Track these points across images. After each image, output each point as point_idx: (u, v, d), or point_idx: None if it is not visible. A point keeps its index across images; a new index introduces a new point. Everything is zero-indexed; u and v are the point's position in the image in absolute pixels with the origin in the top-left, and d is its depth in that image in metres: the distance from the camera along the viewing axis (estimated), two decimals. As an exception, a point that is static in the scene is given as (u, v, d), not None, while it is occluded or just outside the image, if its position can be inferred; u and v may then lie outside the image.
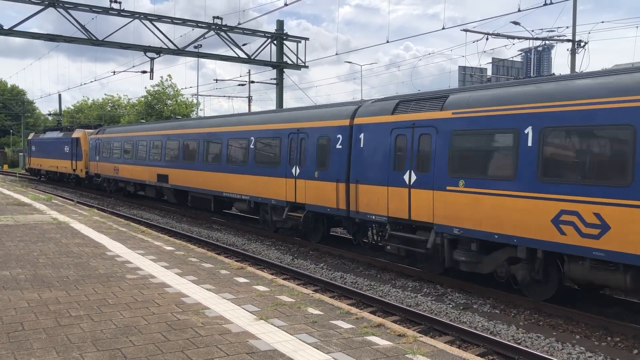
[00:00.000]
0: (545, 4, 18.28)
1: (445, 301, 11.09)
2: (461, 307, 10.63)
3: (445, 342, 7.90)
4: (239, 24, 30.90)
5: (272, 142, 17.66)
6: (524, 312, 10.22)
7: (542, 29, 30.05)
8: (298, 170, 16.11)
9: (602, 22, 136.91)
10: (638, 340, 8.61)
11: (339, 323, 7.31)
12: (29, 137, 50.42)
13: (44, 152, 44.13)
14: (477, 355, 7.91)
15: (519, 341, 8.75)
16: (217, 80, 67.47)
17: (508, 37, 26.81)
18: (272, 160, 17.48)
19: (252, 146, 18.59)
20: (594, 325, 9.33)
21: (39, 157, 45.79)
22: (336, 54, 53.27)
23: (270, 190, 17.36)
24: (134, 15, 27.94)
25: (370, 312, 9.29)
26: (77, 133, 37.74)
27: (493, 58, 36.41)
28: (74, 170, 37.51)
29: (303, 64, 32.20)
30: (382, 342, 6.56)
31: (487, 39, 25.81)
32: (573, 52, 26.99)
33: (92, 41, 27.75)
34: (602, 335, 8.95)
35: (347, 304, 9.29)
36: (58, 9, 26.25)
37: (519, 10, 18.70)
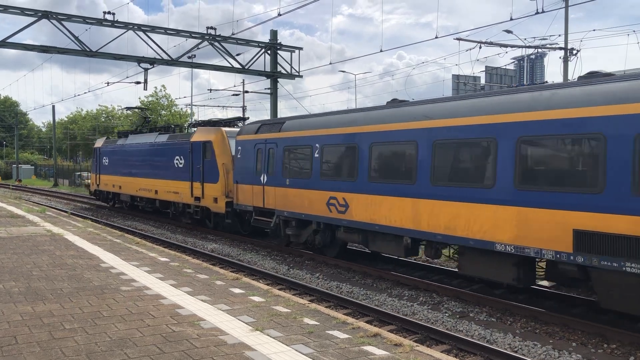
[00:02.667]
0: (537, 13, 18.43)
1: (442, 310, 11.06)
2: (457, 316, 10.61)
3: (442, 352, 7.88)
4: (233, 34, 30.96)
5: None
6: (520, 320, 10.21)
7: (534, 37, 30.26)
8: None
9: (594, 30, 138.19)
10: (634, 347, 8.61)
11: (335, 333, 7.28)
12: (97, 145, 33.84)
13: (126, 166, 28.94)
14: (474, 364, 7.90)
15: (515, 349, 8.73)
16: (211, 90, 67.50)
17: (501, 45, 26.99)
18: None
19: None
20: (590, 333, 9.32)
21: (117, 175, 30.10)
22: (330, 64, 53.53)
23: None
24: (127, 26, 27.95)
25: (367, 322, 9.27)
26: (204, 133, 21.96)
27: (486, 66, 36.59)
28: (197, 198, 22.05)
29: (297, 74, 32.27)
30: (379, 352, 6.53)
31: (480, 47, 26.02)
32: (565, 60, 27.18)
33: (86, 52, 27.74)
34: (599, 343, 8.95)
35: (343, 314, 9.26)
36: (51, 21, 26.24)
37: (511, 19, 18.84)
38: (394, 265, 15.20)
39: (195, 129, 23.59)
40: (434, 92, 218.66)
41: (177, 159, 23.57)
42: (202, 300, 8.90)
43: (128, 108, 43.75)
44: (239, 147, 19.21)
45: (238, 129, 20.80)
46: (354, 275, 14.22)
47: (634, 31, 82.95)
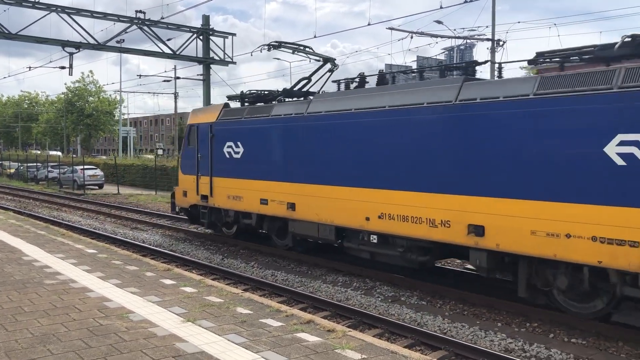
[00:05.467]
0: (465, 2, 18.92)
1: (375, 294, 11.26)
2: (390, 300, 10.83)
3: (374, 335, 8.01)
4: (162, 18, 30.14)
5: None
6: (449, 303, 10.53)
7: (463, 28, 31.14)
8: None
9: (519, 22, 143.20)
10: (554, 325, 9.06)
11: (269, 321, 7.26)
12: (197, 119, 17.22)
13: (321, 163, 12.68)
14: (405, 346, 8.07)
15: (444, 331, 9.00)
16: (140, 75, 65.29)
17: (431, 35, 27.58)
18: None
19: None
20: (514, 313, 9.74)
21: (272, 180, 14.05)
22: (264, 50, 52.78)
23: None
24: (50, 8, 26.60)
25: (301, 309, 9.30)
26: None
27: (418, 56, 37.38)
28: None
29: (230, 60, 31.80)
30: (312, 339, 6.56)
31: (411, 37, 26.48)
32: (493, 51, 28.09)
33: (4, 34, 26.24)
34: (522, 322, 9.36)
35: (278, 302, 9.25)
36: (-35, 0, 24.63)
37: (441, 8, 19.27)
38: (331, 253, 15.33)
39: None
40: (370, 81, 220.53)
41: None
42: (131, 293, 8.66)
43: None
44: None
45: None
46: (289, 263, 14.23)
47: (554, 24, 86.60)
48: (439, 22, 32.23)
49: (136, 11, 28.91)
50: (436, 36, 27.93)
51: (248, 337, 6.57)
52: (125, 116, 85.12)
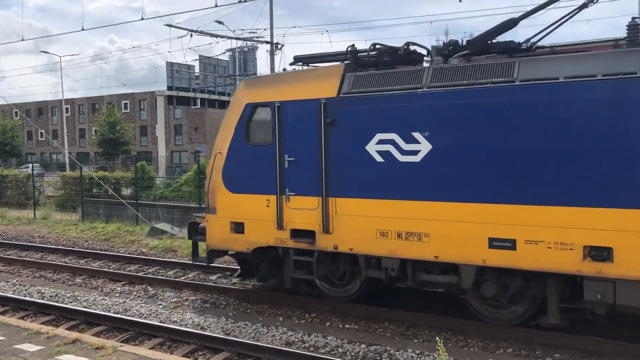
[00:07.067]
0: (240, 2, 19.13)
1: (157, 302, 10.75)
2: (172, 306, 10.42)
3: (152, 346, 7.62)
4: None
5: None
6: (233, 303, 10.48)
7: (242, 30, 31.57)
8: None
9: (294, 27, 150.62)
10: (331, 314, 9.54)
11: (25, 347, 6.42)
12: (301, 91, 9.47)
13: None
14: (187, 353, 7.83)
15: (228, 332, 8.91)
16: None
17: (212, 35, 27.47)
18: None
19: None
20: (295, 306, 10.04)
21: (494, 200, 7.85)
22: (25, 39, 47.74)
23: None
24: None
25: (69, 328, 8.45)
26: None
27: (200, 55, 36.93)
28: None
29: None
30: (77, 360, 5.95)
31: (191, 35, 26.04)
32: (272, 53, 28.94)
33: None
34: (301, 314, 9.69)
35: (40, 323, 8.28)
36: None
37: (216, 6, 19.20)
38: (106, 261, 14.32)
39: None
40: (151, 78, 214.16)
41: None
42: None
43: None
44: None
45: None
46: (60, 276, 12.91)
47: (327, 30, 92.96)
48: (219, 22, 32.20)
49: None
50: (217, 36, 27.89)
51: (-2, 368, 5.72)
52: None
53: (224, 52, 42.83)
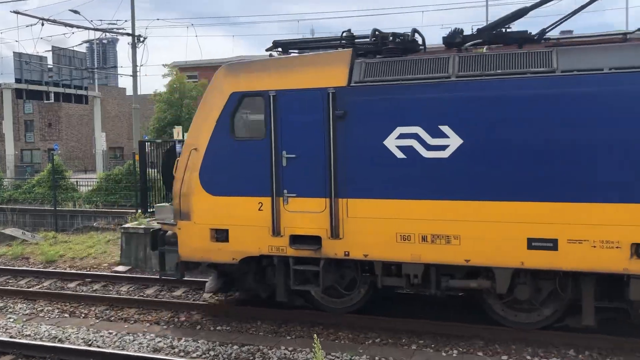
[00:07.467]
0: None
1: (7, 315, 9.81)
2: (25, 319, 9.56)
3: (1, 365, 6.90)
4: None
5: None
6: (95, 310, 9.86)
7: (101, 20, 29.72)
8: None
9: (158, 19, 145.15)
10: (202, 317, 9.30)
11: None
12: (301, 78, 8.34)
13: None
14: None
15: (89, 342, 8.34)
16: None
17: (66, 25, 25.58)
18: None
19: None
20: (165, 310, 9.67)
21: (534, 197, 7.47)
22: None
23: None
24: None
25: None
26: None
27: (53, 46, 34.15)
28: None
29: None
30: None
31: (42, 24, 24.06)
32: (134, 46, 27.61)
33: None
34: (170, 318, 9.34)
35: None
36: None
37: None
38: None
39: None
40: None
41: None
42: None
43: None
44: None
45: None
46: None
47: (192, 24, 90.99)
48: (75, 11, 30.12)
49: None
50: (72, 26, 25.98)
51: None
52: None
53: (81, 44, 40.18)
